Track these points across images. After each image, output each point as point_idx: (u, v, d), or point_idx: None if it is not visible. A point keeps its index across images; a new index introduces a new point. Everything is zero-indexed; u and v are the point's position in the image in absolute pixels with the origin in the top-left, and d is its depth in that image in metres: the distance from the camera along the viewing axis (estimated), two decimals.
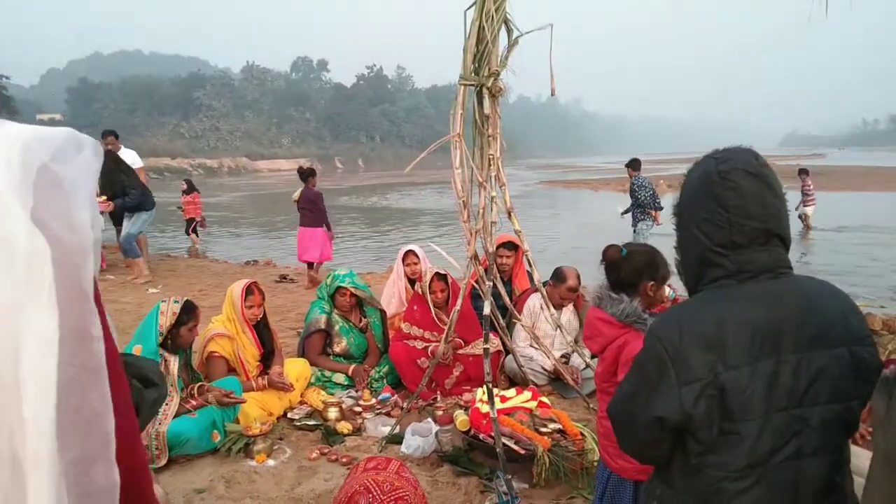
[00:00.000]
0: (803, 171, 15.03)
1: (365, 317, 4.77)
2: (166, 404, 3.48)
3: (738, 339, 1.29)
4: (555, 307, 4.55)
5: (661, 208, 9.43)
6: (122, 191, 8.08)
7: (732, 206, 1.35)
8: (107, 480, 0.76)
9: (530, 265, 4.22)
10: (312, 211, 8.56)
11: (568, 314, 4.77)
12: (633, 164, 9.76)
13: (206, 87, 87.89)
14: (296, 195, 8.71)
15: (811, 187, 14.96)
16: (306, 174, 8.70)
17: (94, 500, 0.74)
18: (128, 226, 8.38)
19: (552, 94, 4.00)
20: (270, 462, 3.47)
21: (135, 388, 1.01)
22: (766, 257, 1.36)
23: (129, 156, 8.73)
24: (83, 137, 0.79)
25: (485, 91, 3.70)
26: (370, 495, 1.42)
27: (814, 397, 1.29)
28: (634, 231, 9.53)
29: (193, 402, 3.57)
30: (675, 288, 2.44)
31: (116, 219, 8.61)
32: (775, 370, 1.28)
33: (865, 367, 1.32)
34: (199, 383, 3.73)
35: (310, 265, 8.70)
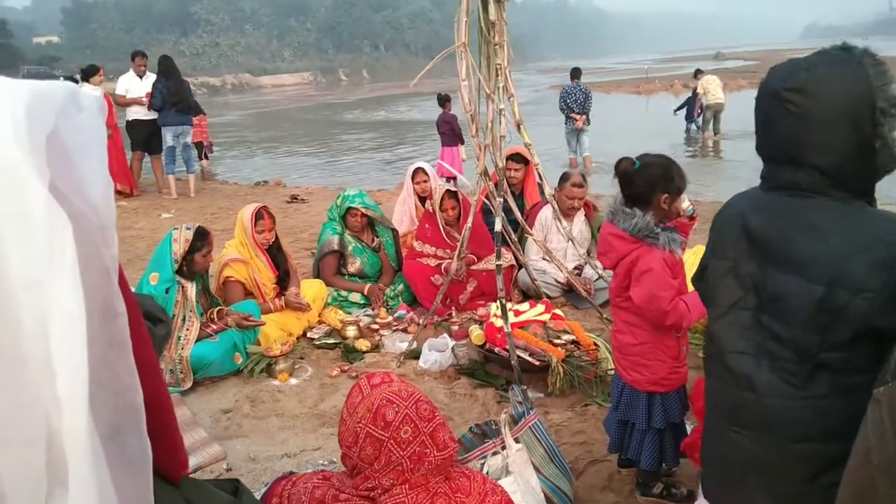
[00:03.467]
0: None
1: (377, 236, 4.77)
2: (187, 329, 3.56)
3: (732, 235, 1.48)
4: (564, 214, 4.53)
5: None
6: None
7: (759, 123, 1.42)
8: (140, 449, 0.78)
9: (541, 178, 4.16)
10: (448, 133, 9.68)
11: (580, 225, 4.74)
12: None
13: (204, 0, 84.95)
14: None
15: None
16: (443, 100, 9.96)
17: (128, 469, 0.76)
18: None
19: None
20: (293, 381, 3.58)
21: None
22: (786, 175, 1.37)
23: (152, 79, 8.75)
24: (84, 93, 0.75)
25: None
26: (394, 406, 1.46)
27: (777, 313, 1.37)
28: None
29: (214, 327, 3.65)
30: (693, 203, 2.39)
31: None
32: (751, 273, 1.41)
33: (844, 313, 1.27)
34: (218, 308, 3.80)
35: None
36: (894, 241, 1.26)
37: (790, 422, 1.36)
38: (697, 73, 14.42)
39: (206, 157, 13.03)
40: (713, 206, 7.32)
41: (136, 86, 8.84)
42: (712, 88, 13.64)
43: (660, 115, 17.97)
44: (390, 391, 1.48)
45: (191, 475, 2.70)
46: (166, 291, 3.51)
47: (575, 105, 11.01)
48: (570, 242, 4.49)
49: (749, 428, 1.43)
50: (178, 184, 9.35)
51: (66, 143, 0.70)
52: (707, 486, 1.65)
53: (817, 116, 1.30)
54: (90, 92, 0.77)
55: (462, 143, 9.65)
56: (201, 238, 3.65)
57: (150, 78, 8.78)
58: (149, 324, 1.04)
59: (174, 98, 8.47)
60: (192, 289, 3.63)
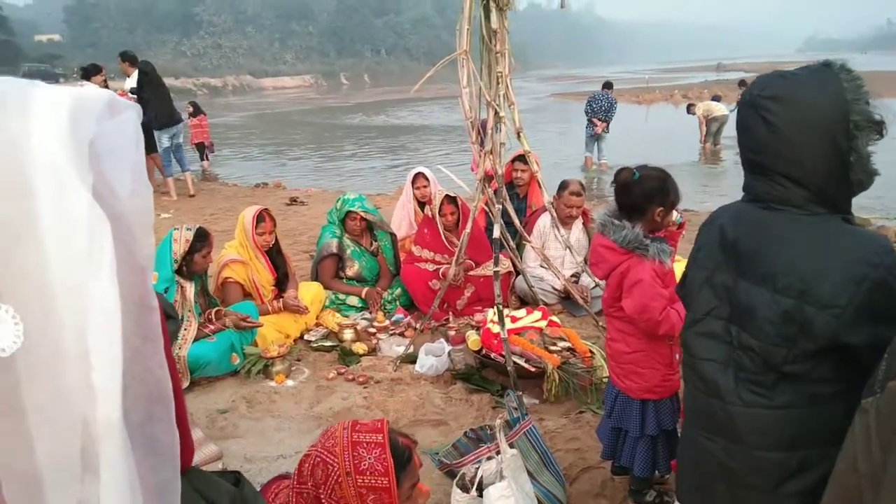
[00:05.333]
0: None
1: (375, 240, 4.80)
2: (185, 329, 3.57)
3: (710, 245, 1.50)
4: (563, 222, 4.56)
5: None
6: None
7: (738, 134, 1.44)
8: (169, 439, 0.82)
9: (541, 186, 4.19)
10: None
11: (577, 233, 4.77)
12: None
13: (206, 2, 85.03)
14: None
15: None
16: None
17: (157, 458, 0.80)
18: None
19: (561, 7, 3.85)
20: (289, 382, 3.60)
21: None
22: (762, 187, 1.39)
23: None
24: (122, 101, 0.79)
25: (492, 4, 3.55)
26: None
27: (745, 323, 1.39)
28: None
29: (211, 327, 3.66)
30: (681, 213, 2.43)
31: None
32: (724, 283, 1.44)
33: (811, 328, 1.28)
34: (216, 308, 3.82)
35: None
36: (863, 258, 1.25)
37: (755, 430, 1.38)
38: (690, 108, 14.56)
39: (207, 158, 13.05)
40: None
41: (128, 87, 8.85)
42: (711, 108, 13.92)
43: (666, 124, 18.03)
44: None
45: None
46: (165, 291, 3.52)
47: (600, 111, 11.80)
48: (567, 250, 4.51)
49: (719, 435, 1.46)
50: (178, 184, 9.38)
51: (106, 147, 0.74)
52: (680, 492, 1.67)
53: (790, 126, 1.30)
54: (126, 103, 0.81)
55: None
56: (201, 239, 3.67)
57: (136, 77, 8.74)
58: None
59: (159, 114, 8.51)
60: (190, 289, 3.65)
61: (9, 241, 0.68)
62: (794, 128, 1.31)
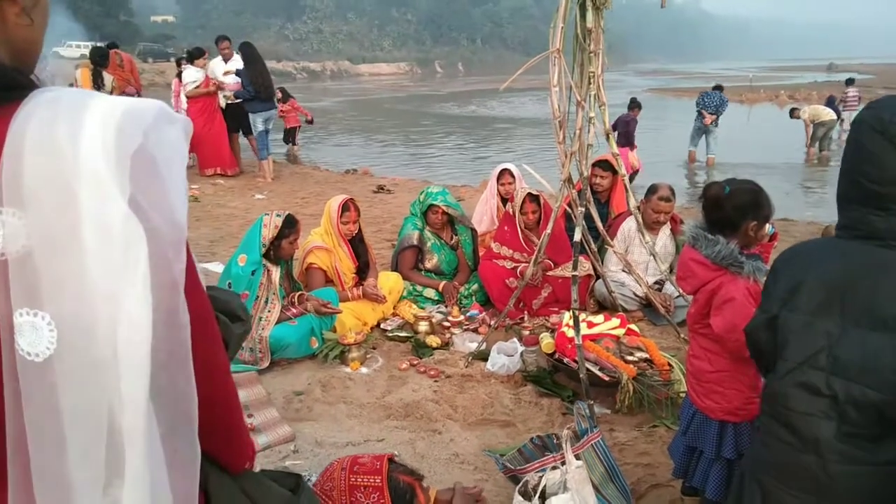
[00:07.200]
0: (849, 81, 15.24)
1: (456, 234, 4.82)
2: (269, 311, 3.72)
3: (808, 288, 1.38)
4: (649, 228, 4.42)
5: None
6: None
7: (852, 160, 1.32)
8: (191, 451, 0.83)
9: (627, 190, 4.07)
10: (623, 133, 10.34)
11: (664, 239, 4.61)
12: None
13: None
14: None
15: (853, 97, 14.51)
16: (633, 104, 10.97)
17: (178, 467, 0.82)
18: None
19: (662, 6, 3.71)
20: (363, 370, 3.68)
21: (222, 322, 1.06)
22: (881, 222, 1.27)
23: (237, 62, 9.03)
24: (173, 113, 0.80)
25: (588, 3, 3.47)
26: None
27: (854, 373, 1.27)
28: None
29: (294, 311, 3.80)
30: (772, 223, 2.32)
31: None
32: (828, 330, 1.32)
33: None
34: (300, 292, 3.95)
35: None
36: None
37: (855, 489, 1.29)
38: (793, 113, 13.84)
39: (296, 143, 13.43)
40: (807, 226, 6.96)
41: (221, 69, 9.22)
42: (819, 113, 13.26)
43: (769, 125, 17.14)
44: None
45: (260, 452, 2.81)
46: (252, 273, 3.68)
47: (710, 105, 12.09)
48: (651, 257, 4.37)
49: (808, 493, 1.36)
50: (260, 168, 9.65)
51: (151, 158, 0.75)
52: None
53: None
54: (178, 116, 0.82)
55: (633, 147, 10.03)
56: (290, 226, 3.80)
57: (236, 60, 9.05)
58: (226, 320, 1.09)
59: (259, 86, 8.67)
60: (276, 273, 3.79)
61: (51, 251, 0.70)
62: None
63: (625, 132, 10.45)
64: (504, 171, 5.24)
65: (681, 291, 4.19)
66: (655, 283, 4.53)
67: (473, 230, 4.91)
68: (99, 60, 8.98)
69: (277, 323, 3.69)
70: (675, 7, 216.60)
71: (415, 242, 4.68)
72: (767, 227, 2.26)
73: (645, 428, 3.10)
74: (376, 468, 1.49)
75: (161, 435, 0.78)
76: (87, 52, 11.68)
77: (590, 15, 3.47)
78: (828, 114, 13.20)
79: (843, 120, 14.20)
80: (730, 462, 2.30)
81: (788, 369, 1.41)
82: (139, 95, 9.38)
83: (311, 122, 13.31)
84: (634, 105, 11.03)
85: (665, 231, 4.62)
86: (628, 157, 10.07)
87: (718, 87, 12.53)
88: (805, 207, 8.60)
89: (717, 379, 2.26)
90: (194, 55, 9.48)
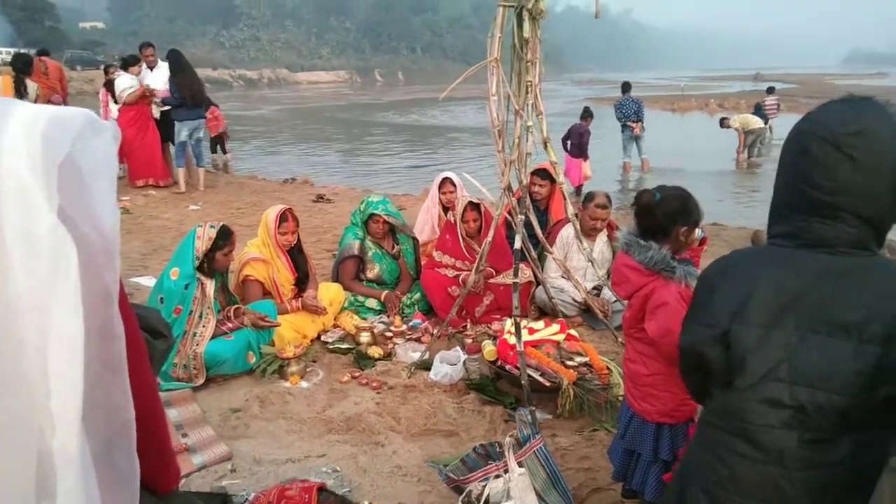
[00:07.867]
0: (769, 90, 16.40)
1: (397, 244, 4.79)
2: (203, 326, 3.60)
3: (759, 300, 1.33)
4: (586, 234, 4.50)
5: None
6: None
7: (797, 170, 1.31)
8: (129, 467, 0.80)
9: (565, 198, 4.14)
10: (576, 144, 10.30)
11: (601, 245, 4.71)
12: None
13: None
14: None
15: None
16: (586, 114, 10.75)
17: (117, 487, 0.78)
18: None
19: (596, 17, 3.79)
20: (303, 384, 3.60)
21: (145, 340, 1.03)
22: (828, 230, 1.27)
23: (164, 69, 8.79)
24: (100, 121, 0.77)
25: (525, 13, 3.52)
26: None
27: (816, 380, 1.26)
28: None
29: (229, 325, 3.69)
30: (702, 228, 2.39)
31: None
32: (787, 342, 1.29)
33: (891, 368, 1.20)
34: (236, 306, 3.84)
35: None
36: None
37: (816, 491, 1.29)
38: (723, 122, 14.34)
39: (226, 151, 13.05)
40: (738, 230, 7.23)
41: (148, 77, 8.96)
42: (748, 121, 13.81)
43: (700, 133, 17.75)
44: None
45: (196, 473, 2.71)
46: (185, 287, 3.56)
47: (630, 114, 12.18)
48: (589, 263, 4.45)
49: (769, 502, 1.33)
50: (193, 178, 9.38)
51: (79, 168, 0.72)
52: None
53: (873, 160, 1.24)
54: (105, 124, 0.78)
55: (586, 158, 10.41)
56: (224, 237, 3.70)
57: (162, 67, 8.84)
58: (149, 337, 1.06)
59: (187, 93, 8.51)
60: (210, 286, 3.68)
61: None
62: (876, 162, 1.24)
63: (578, 143, 10.26)
64: (445, 180, 5.25)
65: (616, 294, 4.28)
66: (594, 288, 4.61)
67: (415, 239, 4.90)
68: (22, 67, 8.60)
69: (213, 338, 3.57)
70: (610, 18, 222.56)
71: (356, 252, 4.62)
72: (697, 231, 2.33)
73: (586, 432, 3.15)
74: (304, 501, 1.44)
75: (98, 451, 0.74)
76: (8, 58, 11.14)
77: (526, 25, 3.52)
78: (756, 122, 13.79)
79: (770, 127, 14.88)
80: (667, 464, 2.35)
81: (748, 384, 1.34)
82: (65, 104, 8.97)
83: (221, 135, 12.82)
84: (587, 115, 10.67)
85: (602, 238, 4.71)
86: (581, 167, 10.26)
87: (627, 87, 12.44)
88: (735, 212, 8.92)
89: (653, 382, 2.31)
90: (129, 62, 9.18)
